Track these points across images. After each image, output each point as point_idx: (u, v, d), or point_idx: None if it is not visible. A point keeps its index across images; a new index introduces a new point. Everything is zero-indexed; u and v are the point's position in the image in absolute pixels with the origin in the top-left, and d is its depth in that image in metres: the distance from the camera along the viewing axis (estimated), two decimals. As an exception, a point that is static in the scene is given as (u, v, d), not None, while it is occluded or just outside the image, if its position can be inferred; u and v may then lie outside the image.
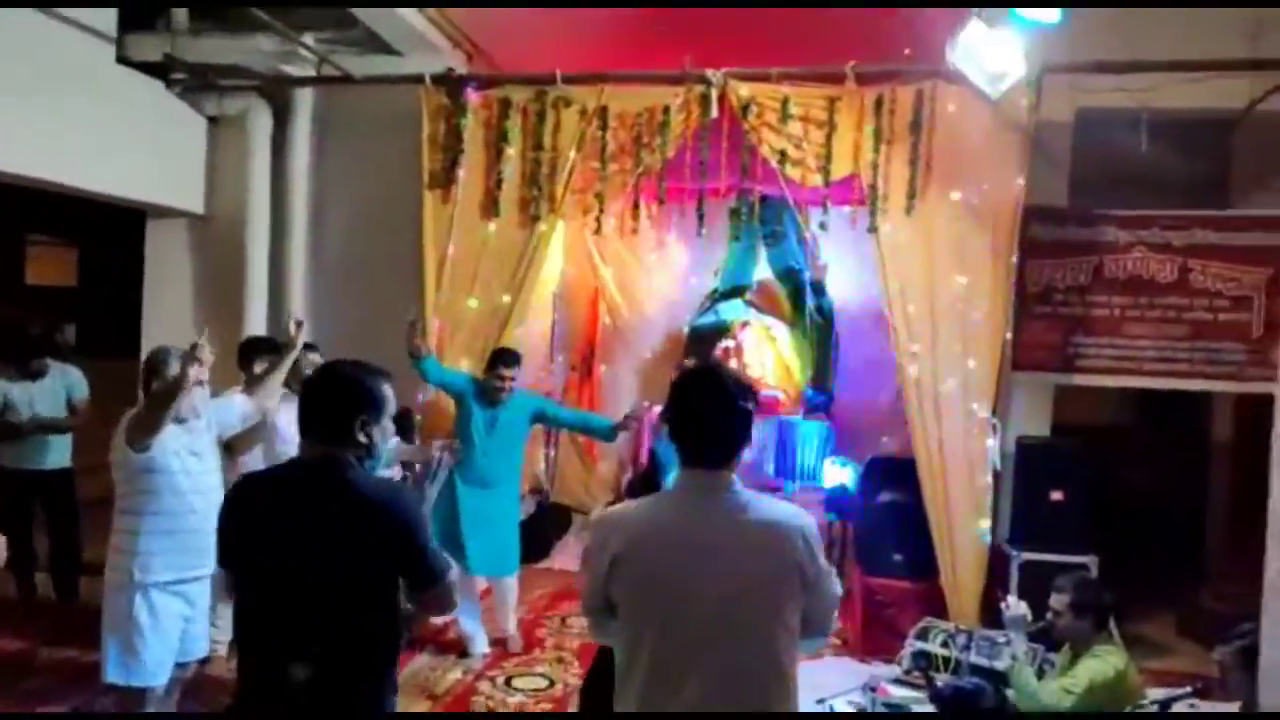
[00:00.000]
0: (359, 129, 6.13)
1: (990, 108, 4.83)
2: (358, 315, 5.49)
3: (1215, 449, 6.40)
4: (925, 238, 5.04)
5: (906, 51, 4.98)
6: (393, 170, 5.76)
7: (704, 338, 7.11)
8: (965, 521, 4.91)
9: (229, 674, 4.47)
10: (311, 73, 6.01)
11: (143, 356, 5.40)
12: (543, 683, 4.79)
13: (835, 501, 6.18)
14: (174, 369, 3.40)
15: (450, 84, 5.49)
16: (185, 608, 3.52)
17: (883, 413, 6.49)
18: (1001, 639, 3.90)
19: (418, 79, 5.51)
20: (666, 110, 5.25)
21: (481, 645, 5.05)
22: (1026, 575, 4.85)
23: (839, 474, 6.40)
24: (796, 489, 6.48)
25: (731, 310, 7.21)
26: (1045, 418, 5.47)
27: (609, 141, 5.35)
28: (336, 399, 2.25)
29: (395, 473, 5.07)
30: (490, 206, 5.48)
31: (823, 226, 5.36)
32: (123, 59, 5.58)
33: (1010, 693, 3.57)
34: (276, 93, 6.09)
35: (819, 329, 7.00)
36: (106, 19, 5.40)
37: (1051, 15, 4.34)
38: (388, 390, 2.31)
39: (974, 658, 3.99)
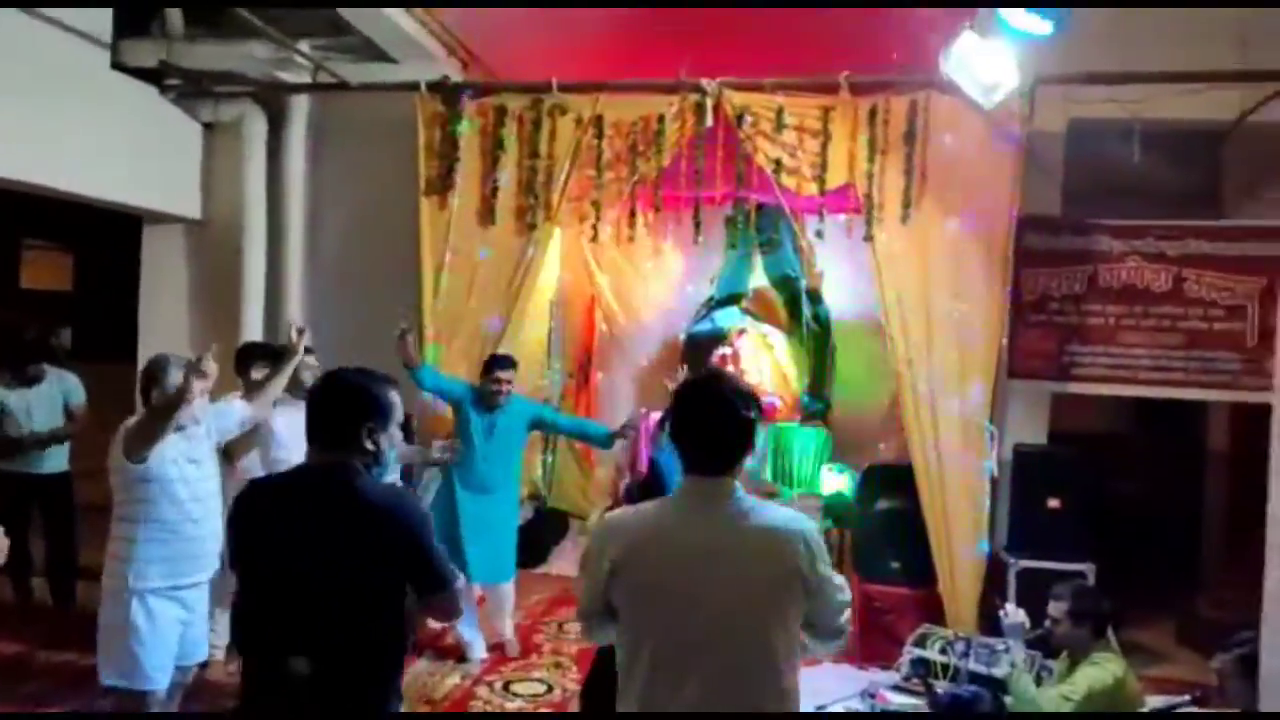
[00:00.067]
0: (354, 136, 6.14)
1: (984, 118, 4.86)
2: (355, 321, 5.48)
3: (1211, 457, 6.44)
4: (920, 247, 5.06)
5: (894, 56, 5.00)
6: (388, 177, 5.76)
7: (700, 345, 7.12)
8: (963, 529, 4.92)
9: (227, 678, 4.50)
10: (307, 79, 6.00)
11: (140, 362, 5.43)
12: (541, 688, 4.79)
13: (833, 508, 6.18)
14: (173, 377, 3.39)
15: (446, 91, 5.50)
16: (183, 612, 3.50)
17: (879, 420, 6.51)
18: (1000, 646, 3.90)
19: (413, 86, 5.52)
20: (662, 119, 5.27)
21: (480, 651, 5.04)
22: (1024, 583, 4.86)
23: (836, 481, 6.41)
24: (794, 496, 6.48)
25: (728, 318, 7.23)
26: (1042, 426, 5.50)
27: (605, 150, 5.36)
28: (343, 406, 2.25)
29: (393, 477, 5.06)
30: (486, 214, 5.49)
31: (819, 235, 5.37)
32: (118, 65, 5.57)
33: (1008, 699, 3.58)
34: (271, 99, 6.09)
35: (815, 336, 7.03)
36: (101, 24, 5.39)
37: (1044, 27, 4.37)
38: (394, 398, 2.31)
39: (972, 665, 3.99)
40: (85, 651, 4.05)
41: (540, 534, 6.77)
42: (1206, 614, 5.46)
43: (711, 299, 7.33)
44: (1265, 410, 4.78)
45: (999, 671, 3.81)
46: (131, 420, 3.45)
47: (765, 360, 7.20)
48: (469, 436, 4.96)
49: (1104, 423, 6.75)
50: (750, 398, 2.17)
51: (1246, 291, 5.23)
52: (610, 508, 6.84)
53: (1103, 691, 3.33)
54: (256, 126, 6.08)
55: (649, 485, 4.21)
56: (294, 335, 3.85)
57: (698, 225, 5.47)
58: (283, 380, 3.89)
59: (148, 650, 3.37)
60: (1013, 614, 3.65)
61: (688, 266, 7.41)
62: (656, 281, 7.54)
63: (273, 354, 4.49)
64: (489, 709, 4.54)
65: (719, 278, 7.31)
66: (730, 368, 6.87)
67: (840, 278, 6.92)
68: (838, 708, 3.90)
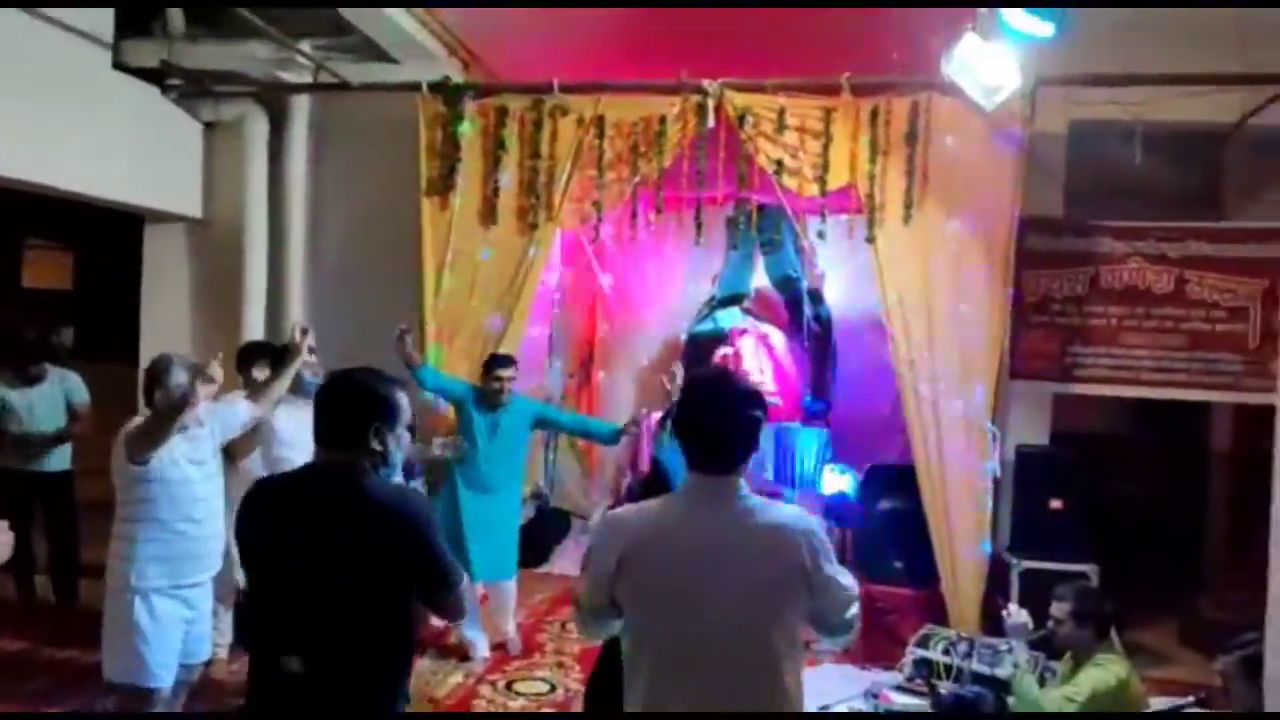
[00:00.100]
0: (356, 136, 6.13)
1: (985, 119, 4.86)
2: (356, 321, 5.47)
3: (1214, 458, 6.44)
4: (922, 248, 5.06)
5: (895, 57, 5.00)
6: (390, 177, 5.75)
7: (702, 345, 7.12)
8: (965, 529, 4.92)
9: (230, 676, 4.51)
10: (308, 79, 6.00)
11: (141, 361, 5.47)
12: (544, 687, 4.79)
13: (835, 509, 6.18)
14: (176, 378, 3.39)
15: (447, 92, 5.49)
16: (186, 611, 3.50)
17: (881, 420, 6.51)
18: (1003, 647, 3.90)
19: (414, 86, 5.51)
20: (663, 120, 5.27)
21: (483, 650, 5.05)
22: (1027, 583, 4.87)
23: (838, 481, 6.41)
24: (796, 496, 6.48)
25: (729, 318, 7.23)
26: (1044, 426, 5.50)
27: (606, 150, 5.36)
28: (352, 406, 2.25)
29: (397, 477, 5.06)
30: (488, 214, 5.48)
31: (821, 235, 5.37)
32: (119, 64, 5.57)
33: (1011, 700, 3.57)
34: (273, 99, 6.09)
35: (817, 337, 7.03)
36: (103, 24, 5.38)
37: (1045, 29, 4.37)
38: (403, 399, 2.31)
39: (975, 665, 3.99)
40: (88, 649, 4.07)
41: (542, 533, 6.78)
42: (1209, 615, 5.46)
43: (713, 299, 7.33)
44: (1268, 411, 4.75)
45: (1002, 672, 3.81)
46: (135, 422, 3.44)
47: (766, 360, 7.20)
48: (472, 436, 4.95)
49: (1106, 424, 6.76)
50: (756, 397, 2.18)
51: (1248, 293, 5.24)
52: (612, 507, 6.86)
53: (1106, 692, 3.33)
54: (258, 126, 6.08)
55: (651, 484, 4.20)
56: (298, 335, 3.85)
57: (699, 226, 5.46)
58: (286, 380, 3.89)
59: (152, 649, 3.37)
60: (1016, 614, 3.65)
61: (689, 267, 7.41)
62: (658, 282, 7.54)
63: (274, 353, 4.50)
64: (492, 708, 4.54)
65: (720, 278, 7.32)
66: (731, 368, 6.87)
67: (842, 278, 6.93)
68: (841, 708, 3.90)
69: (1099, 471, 5.42)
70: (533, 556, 6.19)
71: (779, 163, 5.15)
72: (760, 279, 7.33)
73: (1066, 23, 4.16)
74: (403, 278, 5.54)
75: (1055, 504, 5.06)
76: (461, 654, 5.02)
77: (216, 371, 3.32)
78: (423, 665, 4.89)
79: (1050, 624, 3.57)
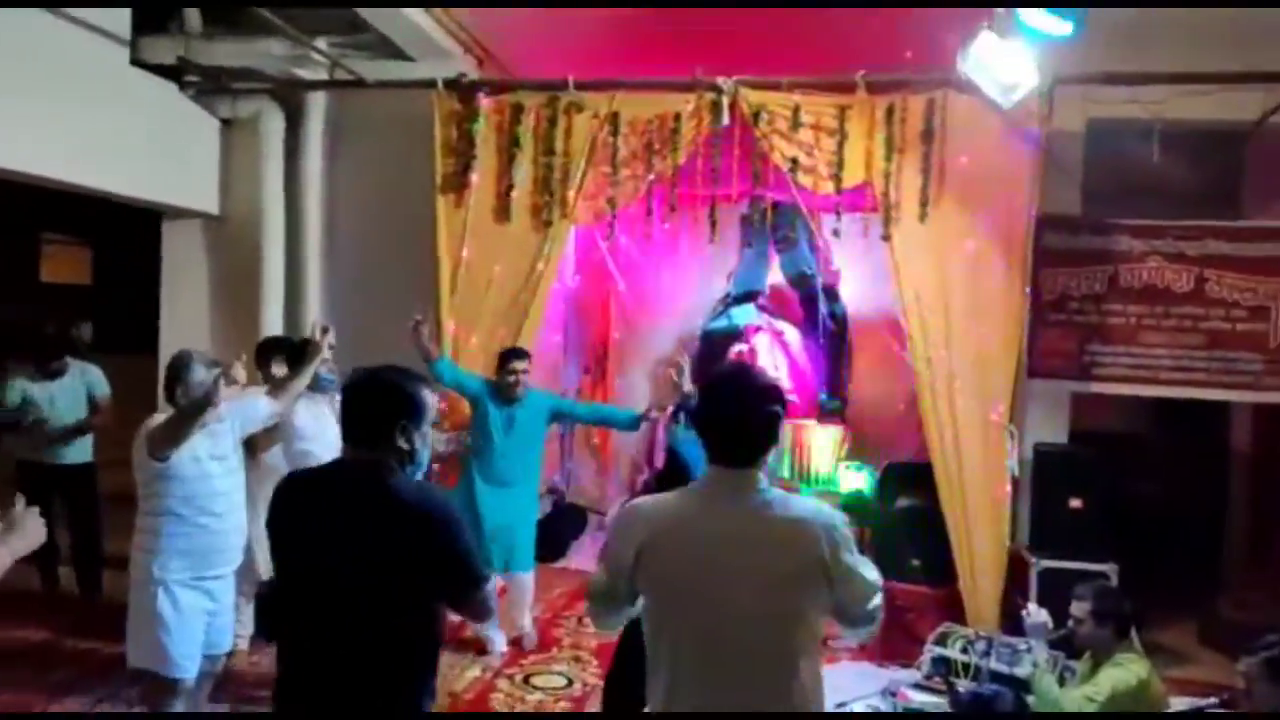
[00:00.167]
0: (371, 133, 6.14)
1: (1002, 117, 4.84)
2: (372, 316, 5.48)
3: (1234, 457, 6.40)
4: (939, 245, 5.04)
5: (909, 54, 4.98)
6: (405, 174, 5.76)
7: (716, 342, 7.12)
8: (984, 528, 4.91)
9: (250, 667, 4.54)
10: (323, 76, 6.03)
11: (161, 355, 5.50)
12: (561, 681, 4.80)
13: (850, 506, 6.15)
14: (197, 374, 3.41)
15: (462, 89, 5.50)
16: (209, 603, 3.53)
17: (897, 418, 6.49)
18: (1022, 646, 3.89)
19: (429, 84, 5.52)
20: (678, 117, 5.27)
21: (500, 645, 5.06)
22: (1046, 582, 4.85)
23: (854, 479, 6.39)
24: (811, 494, 6.46)
25: (744, 315, 7.22)
26: (1062, 425, 5.48)
27: (620, 147, 5.36)
28: (378, 404, 2.25)
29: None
30: (503, 211, 5.49)
31: (836, 233, 5.36)
32: (137, 61, 5.60)
33: (1031, 699, 3.56)
34: (289, 96, 6.11)
35: (832, 334, 7.01)
36: (121, 22, 5.42)
37: (1064, 27, 4.35)
38: (429, 396, 2.31)
39: (994, 664, 3.98)
40: (111, 639, 4.11)
41: (559, 529, 6.79)
42: (1229, 615, 5.43)
43: (728, 296, 7.32)
44: (1289, 411, 4.76)
45: (1021, 671, 3.80)
46: (156, 418, 3.47)
47: (781, 357, 7.19)
48: (488, 431, 4.96)
49: (1125, 423, 6.72)
50: (775, 392, 2.19)
51: (1268, 292, 5.20)
52: (628, 502, 6.86)
53: (1126, 692, 3.31)
54: (274, 123, 6.10)
55: (666, 476, 4.20)
56: (318, 334, 3.87)
57: (714, 224, 5.46)
58: (306, 377, 3.91)
59: (175, 640, 3.40)
60: (1035, 613, 3.63)
61: (703, 264, 7.39)
62: (672, 279, 7.53)
63: (291, 348, 4.52)
64: (509, 702, 4.55)
65: (735, 275, 7.31)
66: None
67: (857, 275, 6.91)
68: (859, 705, 3.89)
69: (1118, 470, 5.38)
70: (549, 552, 6.19)
71: (794, 160, 5.14)
72: (775, 276, 7.32)
73: (1084, 21, 4.14)
74: (418, 274, 5.55)
75: (1074, 503, 5.03)
76: (479, 648, 5.03)
77: (240, 373, 3.35)
78: (440, 659, 4.89)
79: (1070, 623, 3.55)
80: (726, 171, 5.28)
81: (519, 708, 4.50)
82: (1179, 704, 3.50)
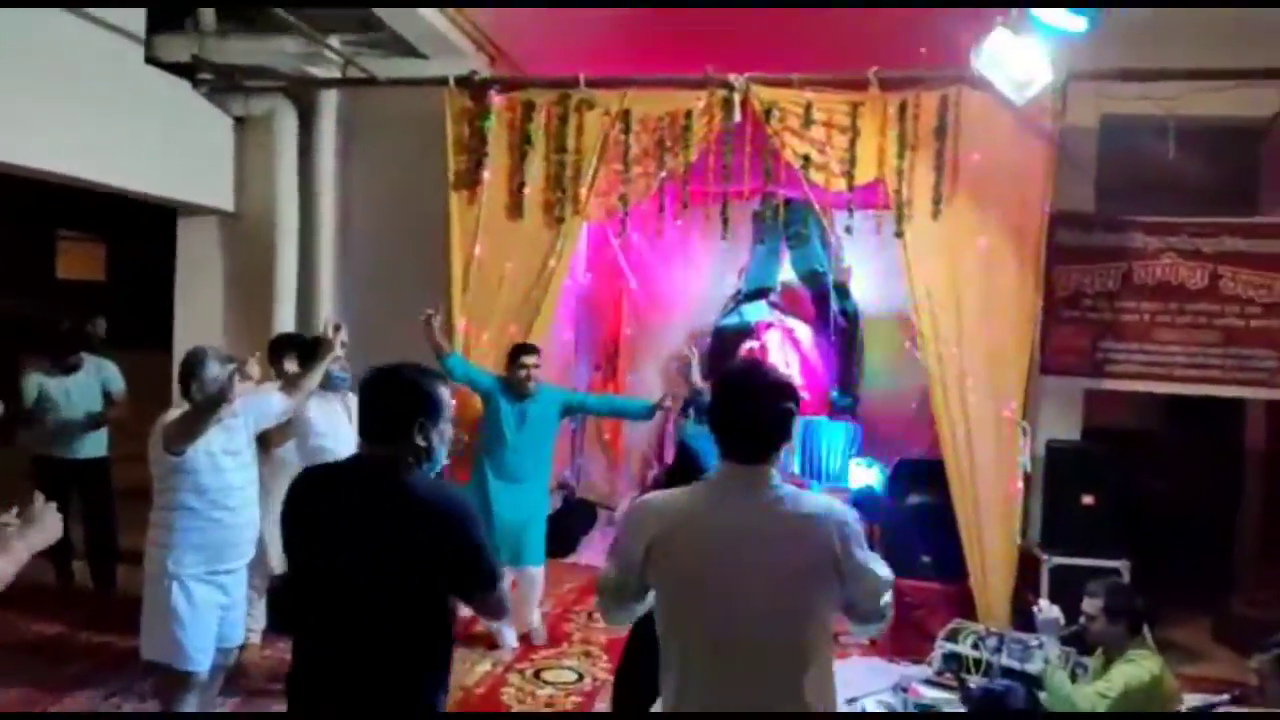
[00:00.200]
0: (383, 130, 6.16)
1: (1015, 113, 4.83)
2: (386, 313, 5.51)
3: (1248, 454, 6.36)
4: (951, 242, 5.03)
5: (923, 50, 4.96)
6: (418, 171, 5.78)
7: (727, 339, 7.12)
8: (995, 524, 4.90)
9: (262, 660, 4.57)
10: (336, 74, 6.05)
11: (175, 352, 5.55)
12: (571, 676, 4.83)
13: (861, 502, 6.15)
14: (211, 370, 3.44)
15: (474, 87, 5.51)
16: (222, 596, 3.56)
17: (908, 415, 6.48)
18: (1034, 642, 3.87)
19: (441, 81, 5.53)
20: (689, 114, 5.26)
21: (511, 640, 5.09)
22: (1058, 579, 4.83)
23: (865, 475, 6.39)
24: (822, 490, 6.47)
25: (755, 312, 7.22)
26: (1075, 422, 5.46)
27: (632, 145, 5.36)
28: (397, 401, 2.26)
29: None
30: (515, 208, 5.50)
31: (848, 230, 5.35)
32: (151, 59, 5.63)
33: (1042, 695, 3.55)
34: (302, 94, 6.13)
35: (843, 331, 7.01)
36: (136, 20, 5.44)
37: (1078, 23, 4.34)
38: (446, 394, 2.33)
39: (1005, 660, 3.96)
40: (125, 633, 4.14)
41: (569, 524, 6.81)
42: (1242, 612, 5.42)
43: (739, 293, 7.32)
44: (1303, 408, 4.73)
45: (1032, 667, 3.79)
46: (172, 414, 3.50)
47: (792, 354, 7.19)
48: (499, 427, 4.99)
49: (1138, 419, 6.69)
50: (788, 388, 2.19)
51: (1284, 289, 5.16)
52: (638, 498, 6.88)
53: (1139, 689, 3.31)
54: (287, 121, 6.12)
55: (677, 473, 4.21)
56: (330, 331, 3.89)
57: (725, 221, 5.46)
58: (319, 374, 3.94)
59: (188, 633, 3.43)
60: (1047, 610, 3.63)
61: (715, 261, 7.40)
62: (684, 276, 7.53)
63: (303, 345, 4.55)
64: (520, 697, 4.57)
65: (747, 272, 7.31)
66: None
67: (869, 272, 6.90)
68: (870, 701, 3.89)
69: (1131, 467, 5.36)
70: (559, 547, 6.22)
71: (806, 157, 5.13)
72: (786, 273, 7.32)
73: (1098, 17, 4.13)
74: (431, 271, 5.57)
75: (1087, 499, 5.01)
76: (489, 643, 5.06)
77: (254, 369, 3.39)
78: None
79: (1082, 620, 3.54)
80: (738, 168, 5.28)
81: (529, 702, 4.52)
82: (1192, 701, 3.49)
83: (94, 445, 5.58)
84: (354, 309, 5.86)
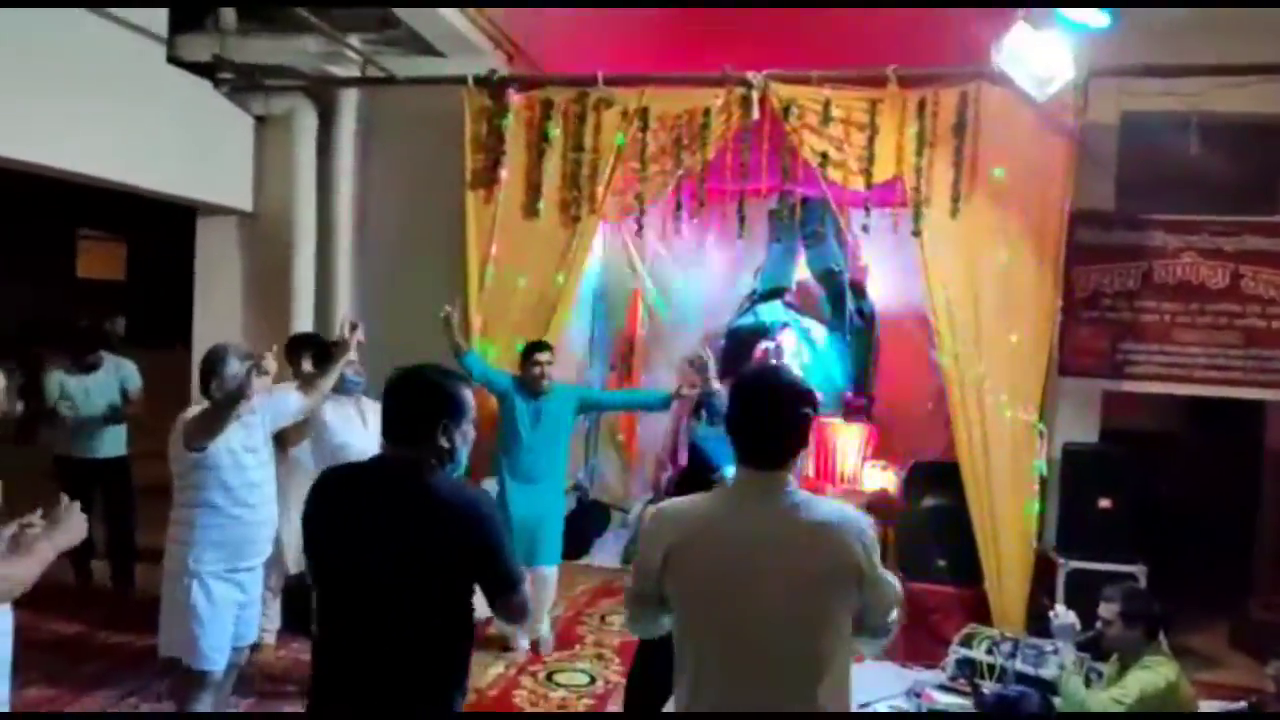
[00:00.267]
0: (402, 129, 6.18)
1: (1035, 110, 4.79)
2: (403, 312, 5.54)
3: (1268, 457, 6.28)
4: (970, 241, 5.00)
5: (945, 47, 4.92)
6: (436, 170, 5.80)
7: (743, 338, 7.10)
8: (1011, 527, 4.87)
9: (277, 661, 4.60)
10: (356, 73, 6.07)
11: (193, 350, 5.60)
12: (584, 679, 4.84)
13: (876, 505, 6.13)
14: (231, 367, 3.46)
15: (492, 85, 5.52)
16: (239, 594, 3.59)
17: (924, 416, 6.45)
18: (1048, 647, 3.85)
19: (460, 80, 5.55)
20: (707, 112, 5.25)
21: (524, 641, 5.11)
22: (1073, 583, 4.79)
23: (879, 477, 6.36)
24: (837, 492, 6.45)
25: (770, 311, 7.20)
26: (1093, 424, 5.41)
27: (649, 143, 5.35)
28: (420, 402, 2.28)
29: None
30: (532, 207, 5.51)
31: (865, 229, 5.33)
32: (173, 59, 5.67)
33: (1057, 701, 3.53)
34: (322, 93, 6.17)
35: (859, 331, 6.97)
36: (158, 20, 5.48)
37: (1101, 20, 4.30)
38: (469, 396, 2.34)
39: (1020, 665, 3.94)
40: (144, 632, 4.18)
41: (582, 526, 6.82)
42: (1259, 617, 5.36)
43: (754, 292, 7.30)
44: (1327, 411, 4.66)
45: (1047, 673, 3.76)
46: (192, 411, 3.53)
47: (807, 354, 7.16)
48: (514, 426, 5.00)
49: (1157, 421, 6.62)
50: (807, 394, 2.17)
51: (1307, 289, 5.10)
52: (652, 500, 6.89)
53: (1155, 695, 3.28)
54: (307, 120, 6.16)
55: (690, 475, 4.22)
56: (347, 330, 3.92)
57: (742, 220, 5.45)
58: (335, 374, 3.97)
59: (207, 631, 3.46)
60: (1063, 615, 3.60)
61: (731, 260, 7.39)
62: (699, 275, 7.52)
63: (320, 345, 4.58)
64: (532, 699, 4.59)
65: (762, 271, 7.29)
66: (772, 361, 6.85)
67: (886, 271, 6.86)
68: (883, 706, 3.88)
69: (1149, 470, 5.31)
70: (572, 549, 6.23)
71: (824, 155, 5.11)
72: (802, 272, 7.29)
73: (1119, 14, 4.09)
74: (448, 270, 5.60)
75: (1104, 503, 4.97)
76: (502, 645, 5.08)
77: (271, 364, 3.40)
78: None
79: (1098, 625, 3.51)
80: (756, 166, 5.26)
81: (542, 705, 4.54)
82: (1208, 707, 3.47)
83: (114, 444, 5.64)
84: (371, 307, 5.89)
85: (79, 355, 5.55)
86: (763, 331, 7.14)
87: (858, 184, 5.12)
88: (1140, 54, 4.72)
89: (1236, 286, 5.19)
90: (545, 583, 5.18)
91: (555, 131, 5.44)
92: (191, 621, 3.44)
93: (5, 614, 2.37)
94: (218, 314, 6.19)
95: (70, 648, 4.87)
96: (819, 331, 7.20)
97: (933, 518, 5.20)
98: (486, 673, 4.79)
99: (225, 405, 3.37)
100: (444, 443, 2.26)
